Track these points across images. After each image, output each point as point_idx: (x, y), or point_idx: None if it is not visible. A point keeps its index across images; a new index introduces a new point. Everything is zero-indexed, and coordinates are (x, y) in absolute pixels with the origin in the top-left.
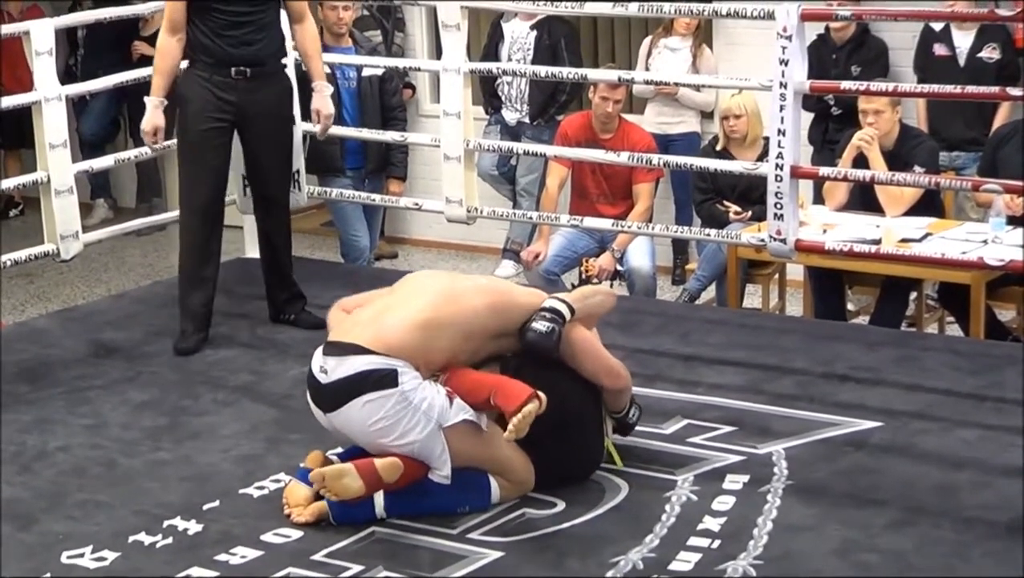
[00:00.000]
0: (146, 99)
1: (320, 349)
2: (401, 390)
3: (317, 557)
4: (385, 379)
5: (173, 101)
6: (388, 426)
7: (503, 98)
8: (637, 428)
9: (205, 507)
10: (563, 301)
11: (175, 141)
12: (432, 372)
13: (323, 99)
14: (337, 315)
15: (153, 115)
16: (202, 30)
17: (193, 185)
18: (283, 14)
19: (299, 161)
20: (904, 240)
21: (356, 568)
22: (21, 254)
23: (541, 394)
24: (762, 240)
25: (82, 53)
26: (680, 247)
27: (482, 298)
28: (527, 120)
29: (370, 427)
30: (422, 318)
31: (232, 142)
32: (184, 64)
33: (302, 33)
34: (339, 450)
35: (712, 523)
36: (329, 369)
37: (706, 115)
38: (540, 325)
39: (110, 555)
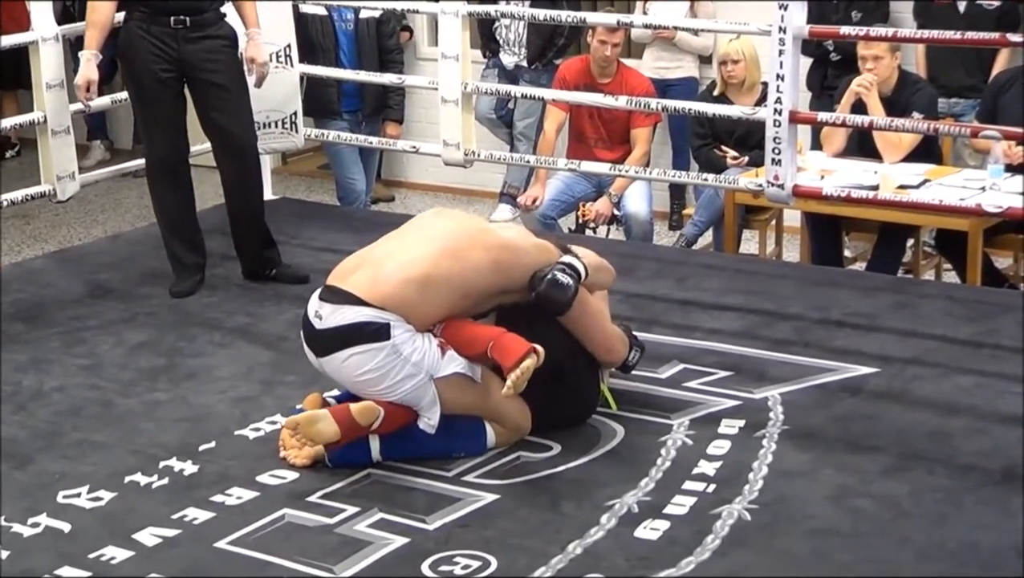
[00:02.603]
0: (80, 53)
1: (317, 293)
2: (393, 343)
3: (313, 498)
4: (378, 332)
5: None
6: (377, 377)
7: (501, 41)
8: (633, 372)
9: (201, 448)
10: (581, 261)
11: (116, 95)
12: (426, 326)
13: (256, 47)
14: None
15: (86, 69)
16: None
17: (151, 139)
18: None
19: (296, 104)
20: (902, 186)
21: (351, 509)
22: (18, 195)
23: (539, 348)
24: (759, 185)
25: None
26: (677, 192)
27: (486, 255)
28: (525, 64)
29: (358, 377)
30: (419, 273)
31: (184, 91)
32: (120, 16)
33: None
34: (336, 392)
35: (707, 467)
36: (324, 315)
37: (704, 60)
38: (561, 277)
39: (106, 495)
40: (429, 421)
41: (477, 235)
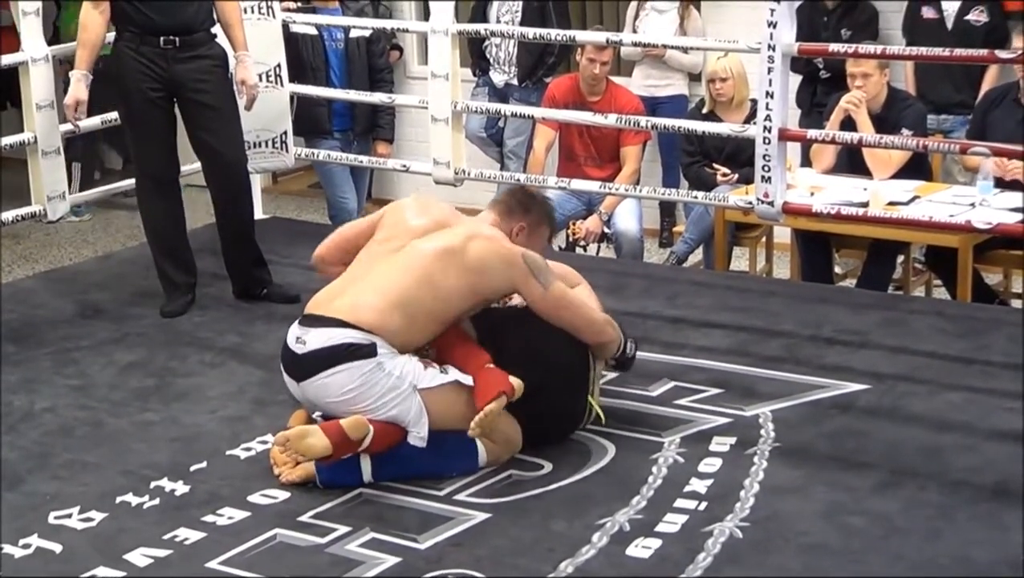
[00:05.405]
0: (70, 73)
1: (296, 322)
2: (378, 361)
3: (304, 518)
4: (363, 350)
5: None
6: (359, 394)
7: (491, 60)
8: (624, 390)
9: (192, 468)
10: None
11: (105, 116)
12: (408, 351)
13: (246, 69)
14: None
15: (75, 88)
16: None
17: (142, 158)
18: None
19: (286, 123)
20: (892, 203)
21: (343, 529)
22: (8, 215)
23: (515, 382)
24: (749, 203)
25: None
26: (667, 210)
27: (459, 281)
28: (515, 82)
29: (344, 394)
30: (399, 302)
31: (174, 111)
32: (111, 36)
33: (222, 1)
34: None
35: (698, 485)
36: (308, 339)
37: (694, 77)
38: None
39: (97, 516)
40: (419, 434)
41: (449, 259)
